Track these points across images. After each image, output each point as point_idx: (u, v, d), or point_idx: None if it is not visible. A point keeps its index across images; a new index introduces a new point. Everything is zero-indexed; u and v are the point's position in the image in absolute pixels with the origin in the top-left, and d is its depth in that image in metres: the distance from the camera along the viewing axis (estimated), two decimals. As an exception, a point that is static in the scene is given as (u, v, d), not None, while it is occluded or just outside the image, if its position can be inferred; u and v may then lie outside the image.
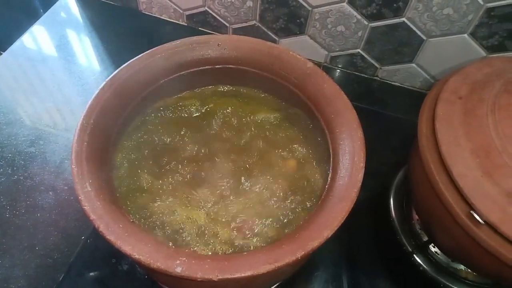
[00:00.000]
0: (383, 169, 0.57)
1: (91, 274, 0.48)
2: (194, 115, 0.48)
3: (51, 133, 0.60)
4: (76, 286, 0.47)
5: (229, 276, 0.29)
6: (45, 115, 0.62)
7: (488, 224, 0.36)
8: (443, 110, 0.42)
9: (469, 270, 0.49)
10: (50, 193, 0.54)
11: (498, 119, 0.39)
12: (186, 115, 0.48)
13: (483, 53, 0.60)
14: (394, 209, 0.53)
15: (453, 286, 0.48)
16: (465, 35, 0.58)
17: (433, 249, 0.51)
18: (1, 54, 0.71)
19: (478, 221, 0.36)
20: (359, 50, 0.67)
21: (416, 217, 0.53)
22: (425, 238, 0.51)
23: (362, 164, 0.36)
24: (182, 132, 0.46)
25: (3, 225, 0.51)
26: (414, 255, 0.50)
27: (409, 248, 0.50)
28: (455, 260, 0.49)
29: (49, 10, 0.77)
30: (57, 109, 0.63)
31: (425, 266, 0.49)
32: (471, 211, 0.37)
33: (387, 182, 0.56)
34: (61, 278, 0.47)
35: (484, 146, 0.39)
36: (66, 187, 0.54)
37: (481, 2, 0.54)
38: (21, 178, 0.55)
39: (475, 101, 0.42)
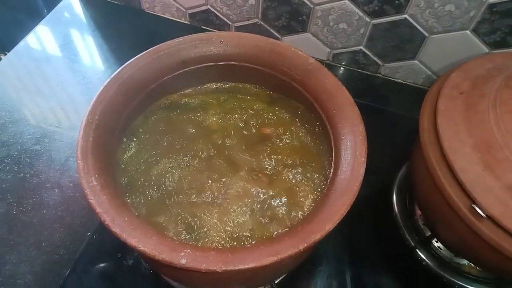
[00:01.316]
0: (385, 165, 0.58)
1: (97, 269, 0.49)
2: (197, 111, 0.48)
3: (56, 131, 0.61)
4: (82, 281, 0.48)
5: (232, 268, 0.30)
6: (50, 114, 0.63)
7: (490, 218, 0.36)
8: (444, 105, 0.43)
9: (472, 264, 0.49)
10: (56, 190, 0.55)
11: (500, 114, 0.40)
12: (189, 112, 0.48)
13: (485, 49, 0.60)
14: (396, 205, 0.54)
15: (456, 281, 0.48)
16: (467, 31, 0.58)
17: (436, 244, 0.51)
18: (6, 54, 0.72)
19: (480, 215, 0.36)
20: (361, 47, 0.67)
21: (418, 212, 0.53)
22: (428, 233, 0.51)
23: (364, 159, 0.37)
24: (185, 129, 0.47)
25: (10, 222, 0.51)
26: (417, 250, 0.50)
27: (412, 243, 0.50)
28: (458, 254, 0.49)
29: (53, 10, 0.77)
30: (61, 108, 0.64)
31: (428, 261, 0.49)
32: (473, 205, 0.37)
33: (389, 178, 0.57)
34: (67, 274, 0.48)
35: (486, 141, 0.39)
36: (71, 184, 0.55)
37: (483, -2, 0.54)
38: (27, 175, 0.56)
39: (476, 96, 0.42)
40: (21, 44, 0.72)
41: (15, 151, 0.58)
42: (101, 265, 0.49)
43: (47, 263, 0.49)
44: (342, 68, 0.71)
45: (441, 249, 0.50)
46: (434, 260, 0.49)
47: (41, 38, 0.73)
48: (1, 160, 0.57)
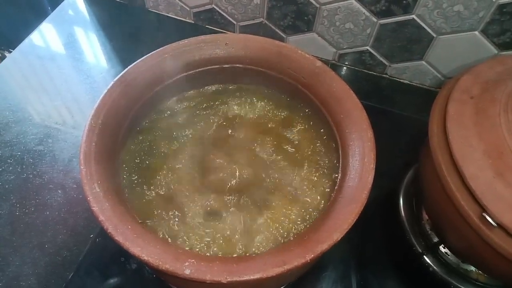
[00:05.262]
0: (392, 168, 0.56)
1: (100, 272, 0.48)
2: (201, 113, 0.48)
3: (60, 131, 0.60)
4: (85, 284, 0.48)
5: (238, 279, 0.29)
6: (54, 113, 0.63)
7: (500, 226, 0.35)
8: (454, 110, 0.42)
9: (480, 271, 0.48)
10: (59, 191, 0.54)
11: (511, 119, 0.39)
12: (193, 114, 0.48)
13: (494, 50, 0.59)
14: (403, 210, 0.53)
15: (463, 288, 0.47)
16: (476, 32, 0.57)
17: (443, 250, 0.50)
18: (11, 52, 0.71)
19: (491, 223, 0.35)
20: (368, 47, 0.66)
21: (426, 217, 0.52)
22: (435, 239, 0.50)
23: (372, 166, 0.36)
24: (189, 132, 0.46)
25: (13, 224, 0.51)
26: (424, 256, 0.49)
27: (419, 248, 0.50)
28: (466, 261, 0.49)
29: (57, 8, 0.77)
30: (65, 107, 0.64)
31: (435, 267, 0.48)
32: (484, 213, 0.36)
33: (396, 182, 0.56)
34: (70, 276, 0.48)
35: (497, 147, 0.38)
36: (75, 186, 0.55)
37: (494, -1, 0.53)
38: (30, 176, 0.55)
39: (487, 100, 0.41)
40: (25, 42, 0.71)
41: (18, 151, 0.58)
42: (104, 268, 0.48)
43: (50, 265, 0.48)
44: (347, 68, 0.70)
45: (448, 255, 0.50)
46: (441, 266, 0.48)
47: (45, 36, 0.73)
48: (4, 161, 0.56)
